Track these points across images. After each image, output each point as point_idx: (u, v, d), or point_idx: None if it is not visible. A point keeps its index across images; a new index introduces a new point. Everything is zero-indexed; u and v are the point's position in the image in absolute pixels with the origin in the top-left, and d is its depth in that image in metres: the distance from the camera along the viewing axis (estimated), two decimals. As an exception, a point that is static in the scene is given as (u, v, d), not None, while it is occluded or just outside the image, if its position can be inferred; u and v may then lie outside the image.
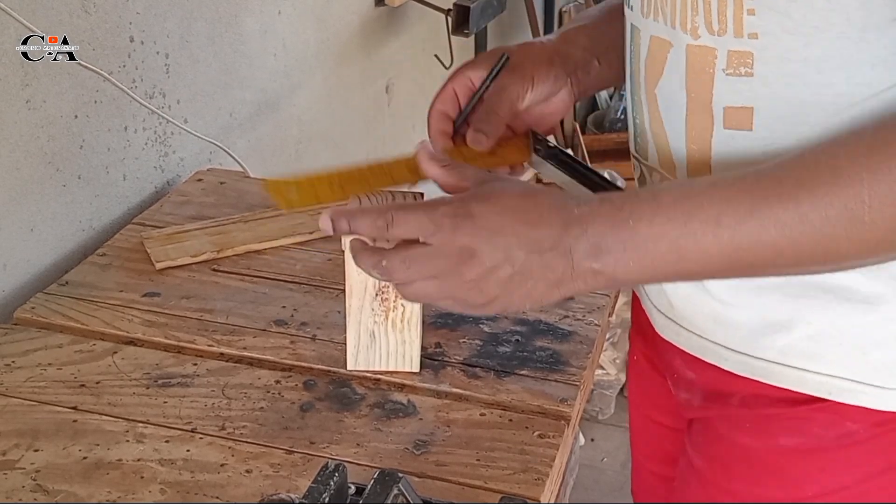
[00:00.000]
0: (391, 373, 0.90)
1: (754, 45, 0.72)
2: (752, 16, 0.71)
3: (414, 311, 0.88)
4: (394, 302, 0.87)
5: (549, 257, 0.69)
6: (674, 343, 0.90)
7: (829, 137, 0.69)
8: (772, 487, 0.86)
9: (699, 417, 0.92)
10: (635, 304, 1.01)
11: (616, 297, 1.06)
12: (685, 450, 0.95)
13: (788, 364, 0.82)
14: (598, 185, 0.87)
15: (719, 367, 0.86)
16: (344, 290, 1.02)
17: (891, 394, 0.79)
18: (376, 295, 0.87)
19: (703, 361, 0.87)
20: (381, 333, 0.89)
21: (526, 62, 0.91)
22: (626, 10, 0.84)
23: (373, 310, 0.88)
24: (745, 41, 0.72)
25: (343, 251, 1.10)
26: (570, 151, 2.89)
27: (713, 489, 0.90)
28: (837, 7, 0.69)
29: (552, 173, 0.89)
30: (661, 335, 0.91)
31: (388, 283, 0.81)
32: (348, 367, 0.91)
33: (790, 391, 0.82)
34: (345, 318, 0.90)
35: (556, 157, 0.89)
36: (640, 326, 1.00)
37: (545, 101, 0.91)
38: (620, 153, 3.15)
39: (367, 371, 0.90)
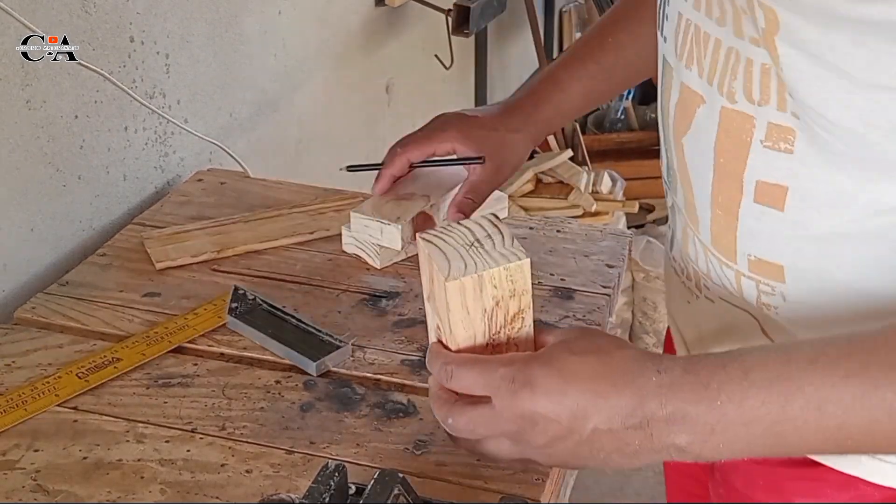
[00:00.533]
0: (391, 373, 0.90)
1: (797, 125, 0.66)
2: (792, 97, 0.65)
3: (528, 347, 0.73)
4: (506, 344, 0.72)
5: (622, 432, 0.63)
6: None
7: None
8: None
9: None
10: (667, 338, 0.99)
11: (616, 298, 1.06)
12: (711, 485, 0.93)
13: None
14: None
15: None
16: (344, 290, 1.03)
17: None
18: (486, 345, 0.73)
19: None
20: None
21: (501, 164, 1.01)
22: (658, 37, 0.78)
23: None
24: (788, 117, 0.66)
25: (342, 252, 1.10)
26: (569, 152, 2.89)
27: None
28: (878, 108, 0.62)
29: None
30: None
31: (498, 331, 0.71)
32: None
33: None
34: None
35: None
36: (670, 344, 0.97)
37: None
38: (621, 153, 3.15)
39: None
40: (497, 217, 0.74)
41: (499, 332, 0.72)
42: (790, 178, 0.68)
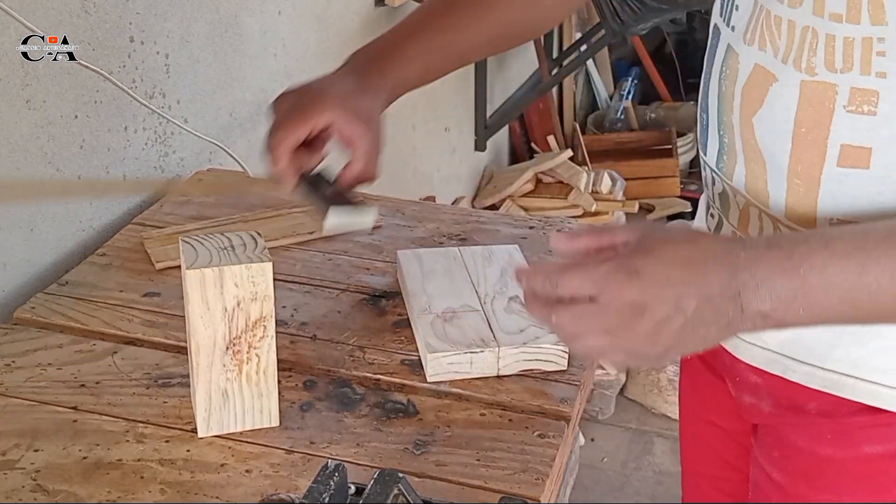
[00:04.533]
0: (391, 373, 0.90)
1: (881, 84, 0.71)
2: (882, 56, 0.70)
3: (269, 360, 0.80)
4: (247, 353, 0.79)
5: (720, 303, 0.68)
6: (731, 353, 0.89)
7: None
8: (860, 496, 0.85)
9: (769, 424, 0.91)
10: None
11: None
12: (755, 459, 0.94)
13: (861, 377, 0.81)
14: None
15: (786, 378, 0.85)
16: (344, 290, 1.03)
17: None
18: (227, 348, 0.78)
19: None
20: (235, 391, 0.81)
21: (378, 129, 0.94)
22: (722, 25, 0.82)
23: (224, 365, 0.79)
24: (872, 79, 0.71)
25: (343, 252, 1.10)
26: (569, 152, 2.89)
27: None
28: None
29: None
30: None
31: (239, 335, 0.78)
32: (199, 435, 0.82)
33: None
34: (191, 378, 0.81)
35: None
36: None
37: None
38: (621, 153, 3.15)
39: (223, 434, 0.83)
40: (259, 234, 0.80)
41: (240, 337, 0.78)
42: (874, 138, 0.73)
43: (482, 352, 0.89)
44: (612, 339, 0.70)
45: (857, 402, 0.82)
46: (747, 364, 0.88)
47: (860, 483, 0.85)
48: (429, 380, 0.89)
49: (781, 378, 0.85)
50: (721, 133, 0.84)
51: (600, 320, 0.69)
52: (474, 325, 0.92)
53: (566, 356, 0.89)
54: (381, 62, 0.97)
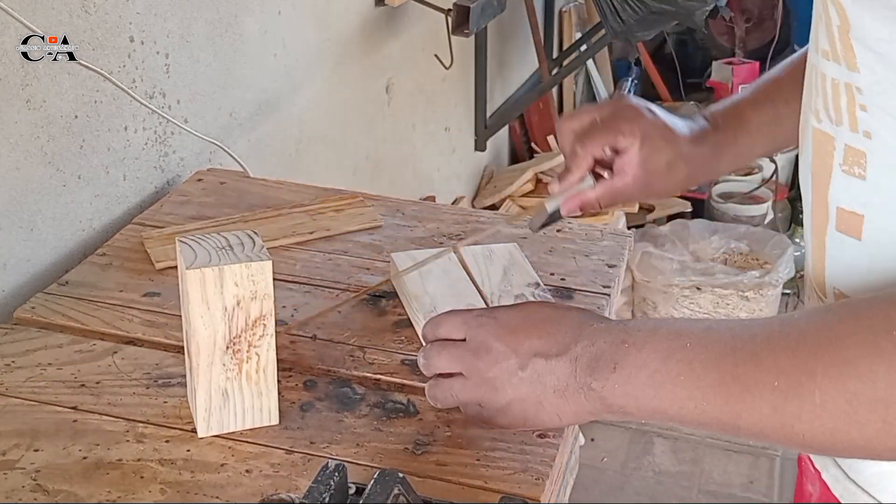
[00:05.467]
0: (391, 373, 0.90)
1: (867, 146, 0.67)
2: (865, 112, 0.66)
3: (269, 358, 0.80)
4: (247, 352, 0.79)
5: (554, 363, 0.71)
6: None
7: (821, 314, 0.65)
8: None
9: None
10: None
11: (616, 298, 1.06)
12: None
13: (869, 492, 0.76)
14: None
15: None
16: (344, 290, 1.03)
17: None
18: (227, 348, 0.78)
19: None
20: (235, 390, 0.80)
21: (654, 183, 0.92)
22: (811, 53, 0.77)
23: (224, 364, 0.79)
24: (860, 138, 0.67)
25: (343, 252, 1.10)
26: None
27: None
28: None
29: None
30: None
31: (239, 334, 0.78)
32: (199, 435, 0.81)
33: None
34: (189, 378, 0.81)
35: None
36: None
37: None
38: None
39: (223, 434, 0.82)
40: (256, 233, 0.80)
41: (240, 337, 0.78)
42: (865, 205, 0.69)
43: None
44: (464, 382, 0.77)
45: None
46: None
47: None
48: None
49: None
50: None
51: (456, 353, 0.77)
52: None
53: None
54: (723, 132, 0.94)
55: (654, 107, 0.93)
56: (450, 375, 0.79)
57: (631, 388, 0.68)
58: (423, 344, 0.82)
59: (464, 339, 0.77)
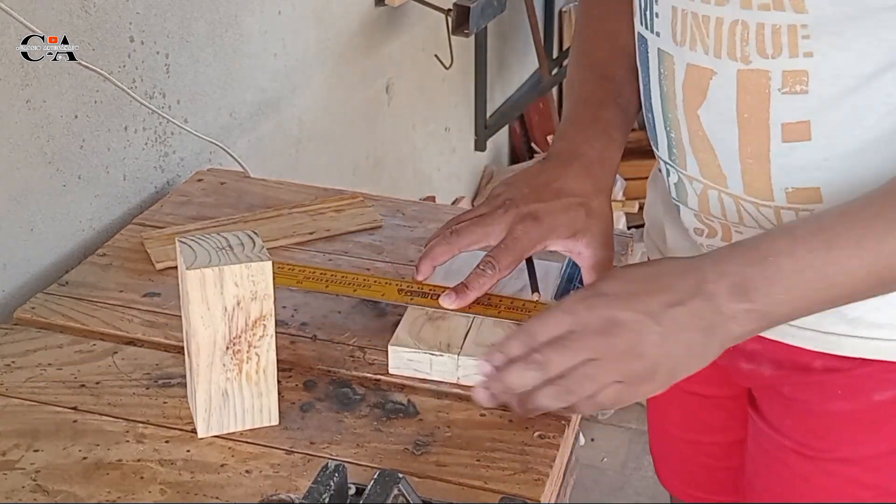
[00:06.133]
0: (392, 374, 0.90)
1: (809, 64, 0.75)
2: (807, 39, 0.74)
3: (269, 359, 0.80)
4: (247, 352, 0.79)
5: (694, 305, 0.70)
6: None
7: None
8: (875, 443, 0.89)
9: (771, 385, 0.94)
10: None
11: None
12: (760, 428, 0.97)
13: (861, 335, 0.84)
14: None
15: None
16: (341, 290, 1.02)
17: None
18: (227, 348, 0.78)
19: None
20: (235, 390, 0.80)
21: (605, 235, 0.90)
22: (646, 32, 0.85)
23: (224, 365, 0.79)
24: (801, 60, 0.75)
25: (343, 252, 1.10)
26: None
27: (820, 461, 0.92)
28: (889, 24, 0.72)
29: None
30: None
31: (239, 335, 0.77)
32: (199, 435, 0.82)
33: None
34: (189, 378, 0.81)
35: None
36: None
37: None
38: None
39: (223, 434, 0.82)
40: (256, 233, 0.80)
41: (240, 337, 0.78)
42: (810, 113, 0.77)
43: (442, 356, 0.88)
44: (600, 364, 0.71)
45: (861, 358, 0.85)
46: None
47: (873, 430, 0.89)
48: (390, 371, 0.89)
49: (781, 342, 0.88)
50: (668, 129, 0.88)
51: (581, 343, 0.71)
52: (452, 329, 0.90)
53: None
54: (591, 143, 0.94)
55: (524, 174, 0.93)
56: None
57: (799, 291, 0.71)
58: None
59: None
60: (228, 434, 0.82)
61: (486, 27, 2.36)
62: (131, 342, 0.95)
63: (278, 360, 0.82)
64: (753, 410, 0.99)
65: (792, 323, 0.84)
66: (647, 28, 0.86)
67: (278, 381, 0.83)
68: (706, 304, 0.70)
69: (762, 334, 0.86)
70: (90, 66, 1.11)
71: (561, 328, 0.72)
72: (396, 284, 0.97)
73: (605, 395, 0.72)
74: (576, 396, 0.73)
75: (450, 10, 2.10)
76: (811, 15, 0.73)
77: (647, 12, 0.85)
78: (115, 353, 0.93)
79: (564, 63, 3.06)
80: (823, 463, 0.91)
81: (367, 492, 0.66)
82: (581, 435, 2.19)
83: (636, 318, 0.70)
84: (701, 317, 0.70)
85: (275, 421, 0.83)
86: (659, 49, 0.85)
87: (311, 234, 1.13)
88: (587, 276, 0.90)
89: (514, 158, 3.17)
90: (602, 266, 0.89)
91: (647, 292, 0.71)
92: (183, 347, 0.90)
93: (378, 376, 0.90)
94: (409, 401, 0.87)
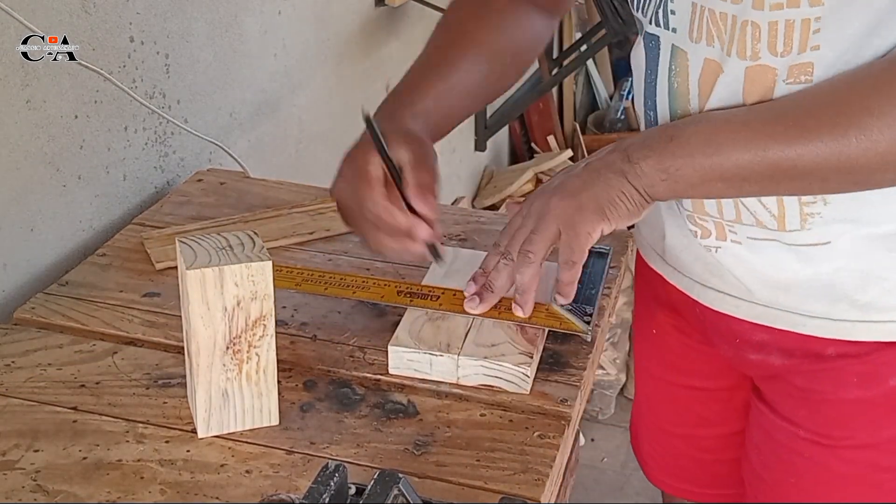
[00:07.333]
0: (392, 375, 0.90)
1: (815, 56, 0.78)
2: (818, 33, 0.77)
3: (269, 359, 0.80)
4: (247, 352, 0.79)
5: (608, 157, 0.83)
6: (731, 314, 0.93)
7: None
8: (890, 427, 0.90)
9: (780, 375, 0.94)
10: (654, 280, 1.03)
11: (616, 298, 1.06)
12: (772, 420, 0.97)
13: (873, 320, 0.86)
14: None
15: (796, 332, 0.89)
16: (339, 293, 1.02)
17: None
18: (227, 348, 0.78)
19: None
20: (235, 390, 0.80)
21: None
22: (659, 31, 0.87)
23: (224, 365, 0.79)
24: (808, 54, 0.79)
25: (342, 252, 1.10)
26: (569, 152, 2.89)
27: (838, 449, 0.93)
28: (890, 7, 0.75)
29: None
30: (711, 308, 0.94)
31: (239, 335, 0.78)
32: (199, 435, 0.82)
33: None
34: (189, 378, 0.82)
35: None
36: (666, 300, 1.03)
37: None
38: (620, 153, 3.14)
39: (223, 434, 0.82)
40: (256, 233, 0.80)
41: (239, 337, 0.78)
42: None
43: (441, 356, 0.88)
44: (542, 219, 0.85)
45: (876, 343, 0.86)
46: (751, 323, 0.92)
47: (890, 415, 0.90)
48: (390, 371, 0.89)
49: (791, 332, 0.89)
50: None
51: (528, 220, 0.87)
52: (452, 329, 0.91)
53: (528, 380, 0.87)
54: (398, 111, 1.04)
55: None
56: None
57: (690, 148, 0.79)
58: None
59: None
60: (228, 434, 0.82)
61: (485, 27, 2.36)
62: (131, 342, 0.95)
63: (278, 360, 0.82)
64: (759, 401, 0.99)
65: (802, 312, 0.87)
66: (660, 26, 0.87)
67: (278, 381, 0.83)
68: (617, 154, 0.82)
69: (770, 325, 0.90)
70: (90, 66, 1.11)
71: (514, 226, 0.87)
72: (395, 286, 0.97)
73: (559, 242, 0.85)
74: (535, 255, 0.86)
75: (450, 10, 2.10)
76: (827, 7, 0.76)
77: (661, 10, 0.86)
78: (115, 353, 0.93)
79: (565, 63, 3.06)
80: (841, 451, 0.92)
81: (367, 492, 0.66)
82: (581, 435, 2.19)
83: (562, 176, 0.86)
84: (613, 163, 0.82)
85: (275, 421, 0.83)
86: (673, 45, 0.86)
87: (311, 234, 1.13)
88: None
89: (514, 158, 3.17)
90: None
91: (573, 167, 0.87)
92: (183, 347, 0.90)
93: (378, 376, 0.90)
94: (408, 401, 0.87)
